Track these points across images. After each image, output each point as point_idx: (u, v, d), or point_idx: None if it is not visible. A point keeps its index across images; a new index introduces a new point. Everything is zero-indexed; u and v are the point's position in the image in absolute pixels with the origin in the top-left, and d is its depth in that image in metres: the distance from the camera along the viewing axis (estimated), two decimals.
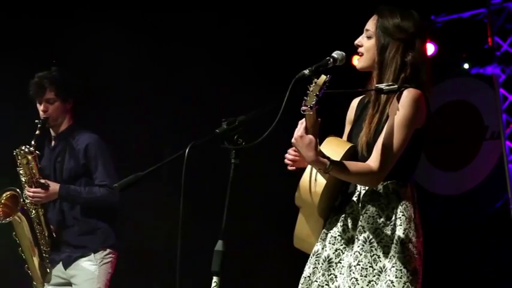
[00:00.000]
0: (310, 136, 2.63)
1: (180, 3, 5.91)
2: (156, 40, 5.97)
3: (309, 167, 2.80)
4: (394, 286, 2.71)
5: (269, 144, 2.61)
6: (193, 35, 5.94)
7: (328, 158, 2.68)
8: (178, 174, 2.49)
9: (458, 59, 6.19)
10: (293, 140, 2.66)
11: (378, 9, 2.90)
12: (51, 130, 4.41)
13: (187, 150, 2.50)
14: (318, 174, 2.77)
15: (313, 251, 2.92)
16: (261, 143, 2.54)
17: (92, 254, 4.26)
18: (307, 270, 2.90)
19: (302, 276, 2.91)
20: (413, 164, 2.89)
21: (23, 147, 4.26)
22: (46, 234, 4.30)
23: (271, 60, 5.88)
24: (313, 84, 2.54)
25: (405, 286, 2.71)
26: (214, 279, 2.45)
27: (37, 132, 4.26)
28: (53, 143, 4.43)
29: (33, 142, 4.25)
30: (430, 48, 6.07)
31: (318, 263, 2.87)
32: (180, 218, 2.49)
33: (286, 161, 2.88)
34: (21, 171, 4.28)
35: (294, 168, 2.87)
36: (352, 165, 2.74)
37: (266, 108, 2.60)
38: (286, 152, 2.85)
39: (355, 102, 3.04)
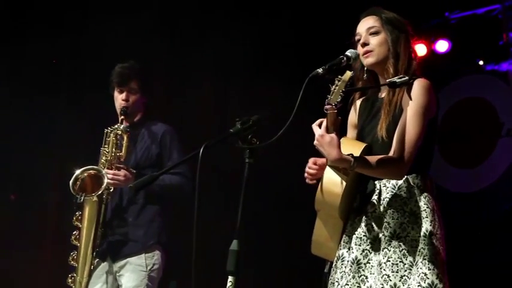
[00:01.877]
0: (332, 135, 2.64)
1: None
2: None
3: (326, 169, 2.80)
4: (428, 278, 2.71)
5: (283, 143, 2.61)
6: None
7: (351, 155, 2.68)
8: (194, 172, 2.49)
9: (473, 56, 6.15)
10: (315, 141, 2.67)
11: (368, 11, 2.98)
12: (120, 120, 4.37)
13: (201, 150, 2.51)
14: (337, 175, 2.77)
15: (337, 255, 2.92)
16: (275, 142, 2.54)
17: (144, 254, 4.15)
18: (334, 276, 2.90)
19: (330, 283, 2.91)
20: (430, 156, 2.91)
21: (118, 126, 4.22)
22: (101, 224, 4.16)
23: (285, 59, 5.87)
24: (337, 81, 2.54)
25: (438, 277, 2.72)
26: (230, 278, 2.46)
27: (122, 117, 4.23)
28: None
29: (122, 126, 4.20)
30: (444, 46, 6.05)
31: (345, 267, 2.87)
32: (195, 217, 2.49)
33: (306, 175, 2.88)
34: (106, 151, 4.21)
35: (313, 181, 2.88)
36: (376, 159, 2.75)
37: (280, 107, 2.60)
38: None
39: (357, 105, 3.05)
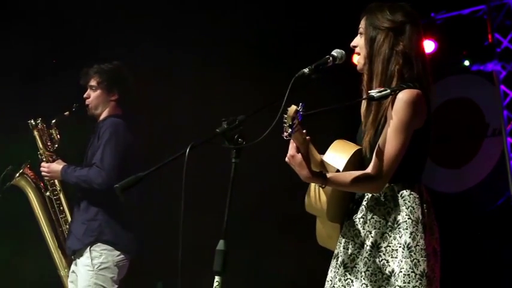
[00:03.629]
0: (300, 156, 2.65)
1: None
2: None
3: None
4: None
5: (269, 143, 2.61)
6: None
7: (321, 173, 2.69)
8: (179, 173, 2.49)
9: (458, 56, 6.18)
10: (286, 160, 2.69)
11: (366, 8, 2.89)
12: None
13: (187, 150, 2.50)
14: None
15: (334, 253, 2.92)
16: (261, 141, 2.54)
17: (89, 254, 4.20)
18: (330, 274, 2.90)
19: (326, 280, 2.90)
20: (419, 164, 2.85)
21: (33, 121, 4.53)
22: (67, 221, 4.46)
23: (272, 58, 5.87)
24: (285, 114, 2.53)
25: None
26: (217, 278, 2.45)
27: (66, 113, 4.51)
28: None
29: (54, 120, 4.53)
30: (430, 46, 6.07)
31: (336, 268, 2.87)
32: (181, 217, 2.49)
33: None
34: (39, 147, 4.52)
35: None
36: (350, 175, 2.73)
37: (266, 107, 2.60)
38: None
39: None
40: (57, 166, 4.37)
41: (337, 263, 2.86)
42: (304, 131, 2.65)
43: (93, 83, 4.42)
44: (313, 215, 2.90)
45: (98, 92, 4.41)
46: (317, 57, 2.73)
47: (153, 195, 5.44)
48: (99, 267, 4.21)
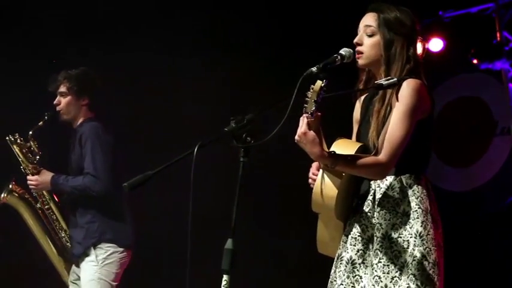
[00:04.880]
0: (312, 133, 2.64)
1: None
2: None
3: (320, 173, 2.80)
4: (417, 279, 2.72)
5: (278, 142, 2.61)
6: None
7: (333, 152, 2.68)
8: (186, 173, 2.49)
9: (466, 55, 6.15)
10: (296, 137, 2.68)
11: (372, 6, 2.93)
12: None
13: (195, 150, 2.50)
14: (330, 178, 2.77)
15: (336, 254, 2.92)
16: (269, 140, 2.54)
17: (92, 249, 4.26)
18: (333, 275, 2.91)
19: (329, 281, 2.92)
20: (425, 156, 2.90)
21: (11, 137, 4.49)
22: (63, 228, 4.46)
23: (280, 58, 5.87)
24: (311, 90, 2.55)
25: (428, 279, 2.72)
26: (225, 277, 2.45)
27: (40, 123, 4.49)
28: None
29: (30, 132, 4.49)
30: (438, 44, 6.05)
31: (342, 266, 2.87)
32: (189, 216, 2.49)
33: (310, 180, 2.88)
34: (21, 160, 4.47)
35: None
36: (359, 157, 2.75)
37: (275, 106, 2.60)
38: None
39: (359, 101, 3.04)
40: (46, 177, 4.38)
41: (341, 262, 2.87)
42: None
43: (62, 89, 4.44)
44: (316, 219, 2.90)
45: (69, 98, 4.43)
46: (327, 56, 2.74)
47: (161, 195, 5.46)
48: (104, 263, 4.27)
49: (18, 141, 4.51)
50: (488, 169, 6.23)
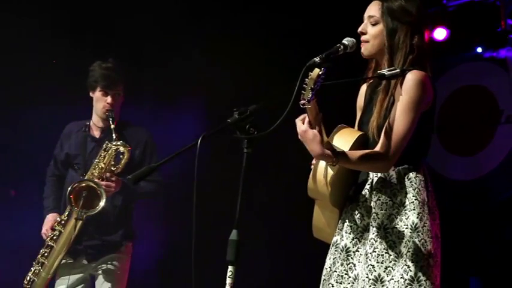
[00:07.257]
0: (314, 131, 2.65)
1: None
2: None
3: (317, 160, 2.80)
4: (410, 270, 2.72)
5: (281, 132, 2.61)
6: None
7: (334, 150, 2.68)
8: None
9: (471, 43, 6.14)
10: (299, 136, 2.68)
11: None
12: (95, 122, 4.41)
13: (199, 141, 2.51)
14: (326, 166, 2.78)
15: (332, 241, 2.93)
16: (273, 131, 2.54)
17: (118, 250, 4.32)
18: (328, 262, 2.92)
19: (324, 268, 2.92)
20: (424, 147, 2.89)
21: (122, 142, 4.22)
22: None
23: (283, 48, 5.86)
24: (308, 78, 2.55)
25: (422, 270, 2.72)
26: (230, 268, 2.46)
27: (113, 126, 4.23)
28: (97, 134, 4.40)
29: (114, 136, 4.22)
30: (442, 33, 6.03)
31: (337, 253, 2.88)
32: (193, 209, 2.49)
33: (312, 167, 2.87)
34: (101, 164, 4.23)
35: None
36: (360, 153, 2.74)
37: (278, 97, 2.60)
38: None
39: (363, 89, 3.04)
40: (120, 180, 4.23)
41: (336, 250, 2.88)
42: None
43: (120, 90, 4.36)
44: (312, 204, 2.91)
45: (121, 98, 4.38)
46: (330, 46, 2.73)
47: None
48: (128, 259, 4.38)
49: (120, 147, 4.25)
50: (494, 157, 6.22)
